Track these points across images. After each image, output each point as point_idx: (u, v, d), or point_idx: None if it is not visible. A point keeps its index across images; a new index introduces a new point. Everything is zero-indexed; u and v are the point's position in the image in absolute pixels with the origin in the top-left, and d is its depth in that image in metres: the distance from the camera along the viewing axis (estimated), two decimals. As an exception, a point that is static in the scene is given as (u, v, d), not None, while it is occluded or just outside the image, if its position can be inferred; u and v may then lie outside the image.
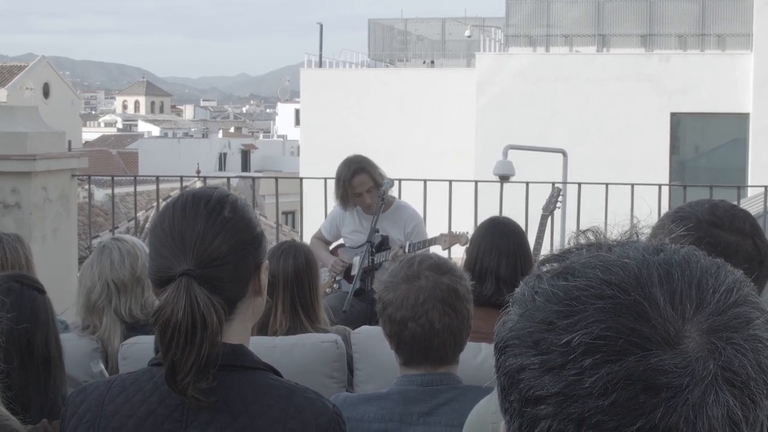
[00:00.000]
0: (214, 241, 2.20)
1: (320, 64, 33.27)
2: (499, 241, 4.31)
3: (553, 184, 7.40)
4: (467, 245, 4.61)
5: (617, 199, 7.67)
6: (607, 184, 7.87)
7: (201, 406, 2.18)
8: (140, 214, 24.18)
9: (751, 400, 0.98)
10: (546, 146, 16.48)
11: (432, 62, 33.40)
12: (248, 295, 2.27)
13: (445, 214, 8.02)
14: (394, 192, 7.34)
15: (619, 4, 26.59)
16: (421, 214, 7.38)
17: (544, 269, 1.09)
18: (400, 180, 7.84)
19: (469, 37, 32.41)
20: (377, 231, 6.64)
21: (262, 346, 4.01)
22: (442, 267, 2.99)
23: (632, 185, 7.81)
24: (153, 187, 22.35)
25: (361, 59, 34.44)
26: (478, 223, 5.38)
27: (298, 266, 4.34)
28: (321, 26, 39.27)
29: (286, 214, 31.83)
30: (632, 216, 1.90)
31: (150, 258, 2.27)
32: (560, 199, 7.11)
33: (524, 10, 27.46)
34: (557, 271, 1.07)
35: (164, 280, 2.20)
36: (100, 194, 24.83)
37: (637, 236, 1.15)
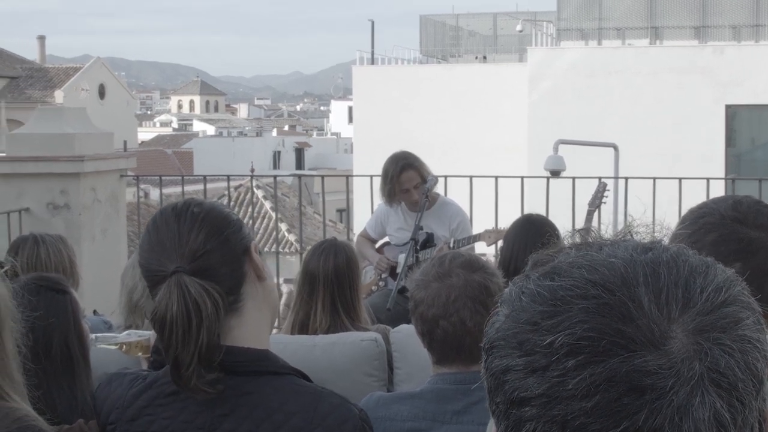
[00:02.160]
0: (191, 235, 2.24)
1: (372, 61, 33.30)
2: (533, 239, 4.28)
3: (600, 179, 7.34)
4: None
5: (669, 193, 7.59)
6: (654, 179, 7.78)
7: (209, 398, 2.18)
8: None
9: (739, 401, 0.96)
10: (599, 140, 16.41)
11: (484, 57, 33.28)
12: (249, 280, 2.29)
13: (493, 210, 7.98)
14: (440, 189, 7.32)
15: (671, -4, 26.35)
16: (468, 210, 7.34)
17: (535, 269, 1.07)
18: (446, 177, 7.81)
19: (520, 31, 32.26)
20: (421, 228, 6.64)
21: (302, 345, 4.02)
22: (473, 265, 2.97)
23: (680, 179, 7.72)
24: (208, 186, 22.58)
25: (413, 55, 34.41)
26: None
27: (338, 265, 4.34)
28: (372, 23, 39.29)
29: (340, 211, 31.93)
30: (680, 211, 1.86)
31: (143, 276, 2.32)
32: (606, 194, 7.05)
33: (576, 4, 27.27)
34: (544, 271, 1.05)
35: (157, 283, 2.23)
36: (155, 194, 25.03)
37: (631, 234, 1.12)
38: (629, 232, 1.13)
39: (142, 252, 2.30)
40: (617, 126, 22.67)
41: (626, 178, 8.20)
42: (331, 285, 4.31)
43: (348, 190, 8.72)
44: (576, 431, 0.95)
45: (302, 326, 4.24)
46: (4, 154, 8.27)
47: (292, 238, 25.29)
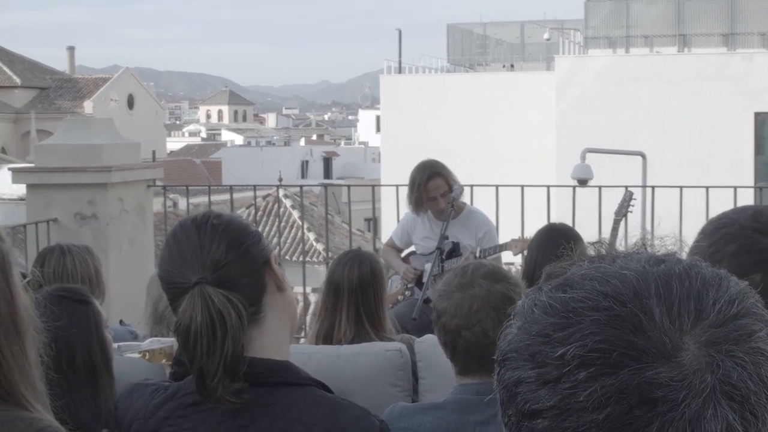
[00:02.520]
0: (211, 247, 2.25)
1: (399, 70, 33.34)
2: (557, 248, 4.26)
3: (626, 187, 7.31)
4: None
5: (697, 201, 7.54)
6: (681, 187, 7.74)
7: (230, 409, 2.19)
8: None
9: (752, 414, 0.96)
10: (627, 149, 16.37)
11: (511, 66, 33.28)
12: (270, 290, 2.30)
13: (519, 219, 7.96)
14: (466, 198, 7.31)
15: (699, 3, 26.25)
16: (494, 219, 7.33)
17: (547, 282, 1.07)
18: (471, 186, 7.80)
19: (548, 39, 32.24)
20: (447, 238, 6.63)
21: (326, 355, 4.02)
22: (496, 275, 2.97)
23: (707, 188, 7.68)
24: (236, 195, 22.62)
25: (441, 64, 34.44)
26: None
27: (363, 275, 4.34)
28: (399, 32, 39.33)
29: (368, 220, 31.95)
30: (707, 219, 1.85)
31: (164, 289, 2.33)
32: (632, 203, 7.02)
33: (603, 12, 27.24)
34: (556, 284, 1.05)
35: (179, 294, 2.24)
36: (184, 204, 25.12)
37: (645, 247, 1.12)
38: (643, 244, 1.12)
39: (163, 264, 2.30)
40: (645, 134, 22.62)
41: (653, 187, 8.16)
42: (355, 295, 4.31)
43: (374, 200, 8.72)
44: None
45: (327, 336, 4.24)
46: (32, 165, 8.32)
47: (319, 247, 25.29)
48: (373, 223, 10.47)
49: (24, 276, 2.32)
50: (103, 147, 7.83)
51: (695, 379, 0.95)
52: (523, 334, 1.03)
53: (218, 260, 2.22)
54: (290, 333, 2.42)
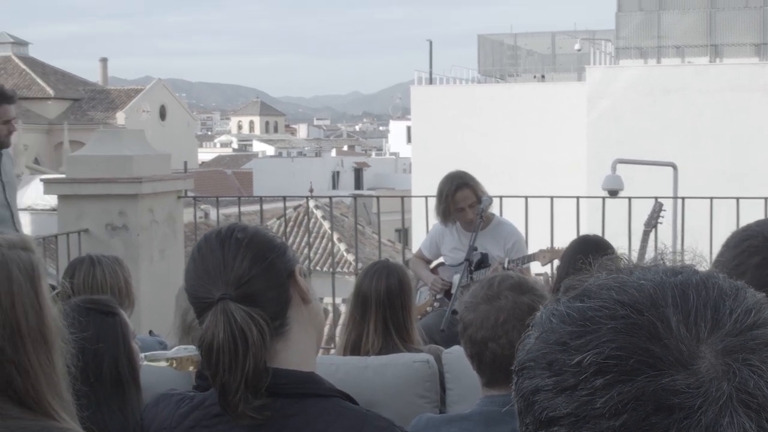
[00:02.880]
0: (235, 262, 2.25)
1: (430, 81, 33.32)
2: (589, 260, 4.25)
3: (656, 199, 7.28)
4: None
5: (729, 213, 7.50)
6: (711, 198, 7.71)
7: (256, 425, 2.19)
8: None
9: None
10: (658, 159, 16.28)
11: (542, 76, 33.21)
12: (295, 303, 2.30)
13: (555, 229, 7.94)
14: (495, 209, 7.31)
15: (731, 14, 26.11)
16: (523, 230, 7.32)
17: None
18: (500, 197, 7.80)
19: (579, 50, 32.16)
20: (476, 249, 6.62)
21: (354, 366, 4.03)
22: (522, 287, 2.97)
23: (737, 199, 7.64)
24: (267, 206, 22.67)
25: (471, 75, 34.40)
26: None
27: (390, 286, 4.35)
28: (430, 43, 39.32)
29: (399, 231, 31.92)
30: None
31: (190, 302, 2.33)
32: (662, 214, 6.99)
33: (634, 22, 27.13)
34: (574, 294, 1.06)
35: (205, 308, 2.25)
36: (215, 214, 25.19)
37: (663, 261, 1.12)
38: (661, 258, 1.12)
39: (188, 278, 2.32)
40: (677, 145, 22.49)
41: (683, 198, 8.13)
42: (383, 306, 4.32)
43: (403, 210, 8.72)
44: None
45: (354, 347, 4.25)
46: (64, 176, 8.38)
47: (350, 258, 25.31)
48: (402, 233, 10.45)
49: (53, 288, 2.34)
50: (133, 158, 7.87)
51: (712, 386, 0.95)
52: (541, 343, 1.03)
53: (241, 275, 2.23)
54: (317, 344, 2.42)
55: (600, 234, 7.67)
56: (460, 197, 6.70)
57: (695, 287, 1.03)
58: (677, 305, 1.00)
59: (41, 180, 9.07)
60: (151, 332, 5.42)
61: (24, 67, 61.89)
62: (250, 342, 2.15)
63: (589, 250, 4.34)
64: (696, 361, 0.96)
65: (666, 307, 1.00)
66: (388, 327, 4.31)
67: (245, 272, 2.24)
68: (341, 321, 7.16)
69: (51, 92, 60.18)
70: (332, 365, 3.98)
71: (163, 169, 8.32)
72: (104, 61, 73.18)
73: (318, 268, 23.63)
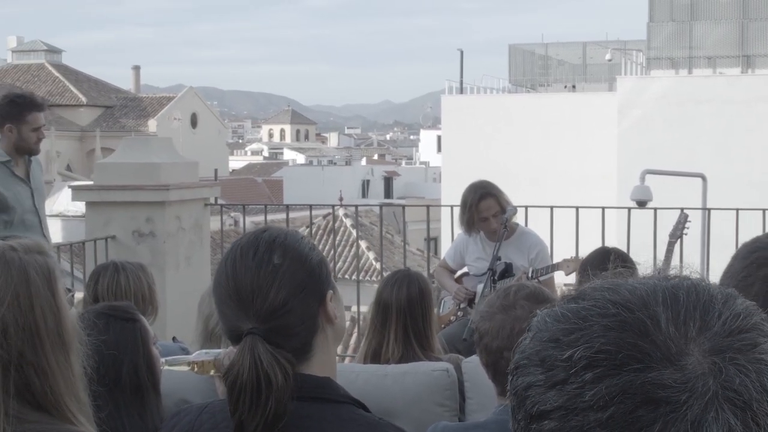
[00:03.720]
0: (269, 293, 2.19)
1: (461, 91, 33.32)
2: (607, 271, 4.24)
3: (682, 209, 7.25)
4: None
5: (757, 224, 7.45)
6: (737, 210, 7.67)
7: None
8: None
9: (754, 421, 0.97)
10: (689, 170, 16.21)
11: (573, 86, 33.14)
12: (321, 329, 2.26)
13: (584, 240, 7.92)
14: (521, 219, 7.30)
15: (764, 24, 25.98)
16: (548, 240, 7.31)
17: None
18: (526, 207, 7.79)
19: (610, 60, 32.06)
20: (499, 259, 6.62)
21: (374, 374, 4.04)
22: (538, 296, 2.97)
23: (764, 210, 7.60)
24: (296, 214, 22.75)
25: (502, 85, 34.37)
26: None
27: (411, 295, 4.36)
28: (461, 52, 39.29)
29: (428, 240, 31.88)
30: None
31: (219, 316, 2.29)
32: (687, 225, 6.97)
33: (666, 32, 27.04)
34: (570, 297, 1.09)
35: (235, 338, 2.22)
36: (248, 222, 25.24)
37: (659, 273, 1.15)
38: (657, 272, 1.15)
39: (220, 293, 2.26)
40: (708, 155, 22.40)
41: (708, 209, 8.09)
42: (404, 315, 4.33)
43: (428, 219, 8.73)
44: None
45: (375, 355, 4.26)
46: (92, 183, 8.45)
47: (378, 266, 25.35)
48: (427, 243, 10.44)
49: (69, 291, 2.37)
50: (161, 165, 7.92)
51: (698, 382, 0.97)
52: (535, 342, 1.06)
53: (275, 309, 2.19)
54: (335, 354, 2.42)
55: (626, 244, 7.67)
56: (484, 207, 6.70)
57: (686, 290, 1.05)
58: (667, 305, 1.03)
59: (69, 187, 9.14)
60: (174, 339, 5.45)
61: (57, 74, 62.40)
62: (274, 386, 2.13)
63: (607, 262, 4.34)
64: (684, 357, 0.98)
65: (656, 306, 1.02)
66: (409, 335, 4.32)
67: (280, 305, 2.19)
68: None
69: (84, 99, 60.60)
70: (352, 373, 3.99)
71: (190, 176, 8.36)
72: (137, 68, 73.60)
73: (347, 276, 23.66)
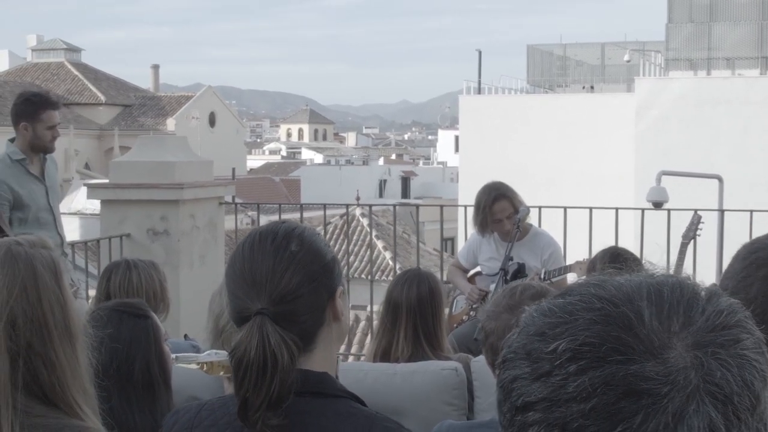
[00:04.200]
0: (284, 277, 2.23)
1: (479, 91, 33.29)
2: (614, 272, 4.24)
3: (695, 211, 7.24)
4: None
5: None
6: (751, 211, 7.64)
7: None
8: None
9: (734, 415, 0.99)
10: (707, 171, 16.16)
11: (591, 87, 33.09)
12: (327, 323, 2.30)
13: (599, 240, 7.90)
14: (534, 219, 7.30)
15: (783, 26, 25.92)
16: (561, 241, 7.30)
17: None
18: (540, 207, 7.79)
19: (628, 61, 32.00)
20: (511, 259, 6.62)
21: (383, 373, 4.05)
22: (544, 296, 2.97)
23: (781, 211, 7.60)
24: (312, 213, 22.77)
25: (520, 85, 34.33)
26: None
27: (421, 294, 4.37)
28: (480, 52, 39.26)
29: (445, 240, 31.90)
30: None
31: (228, 299, 2.32)
32: (701, 226, 6.95)
33: (684, 34, 26.98)
34: (558, 293, 1.12)
35: (242, 319, 2.24)
36: (262, 221, 25.29)
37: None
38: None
39: (234, 275, 2.30)
40: (726, 157, 22.33)
41: (722, 211, 8.07)
42: (413, 314, 4.34)
43: (442, 220, 8.74)
44: None
45: (384, 354, 4.28)
46: (107, 181, 8.47)
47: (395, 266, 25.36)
48: (442, 242, 10.42)
49: (72, 284, 2.40)
50: (176, 164, 7.94)
51: (680, 375, 0.99)
52: (522, 336, 1.08)
53: (287, 294, 2.23)
54: (337, 351, 2.45)
55: (639, 246, 7.65)
56: (497, 209, 6.70)
57: (670, 287, 1.07)
58: (652, 301, 1.05)
59: (84, 185, 9.18)
60: (186, 336, 5.47)
61: (76, 73, 62.59)
62: (279, 366, 2.16)
63: (614, 261, 4.33)
64: (666, 351, 1.00)
65: (641, 301, 1.04)
66: (418, 334, 4.33)
67: (292, 290, 2.23)
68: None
69: (102, 98, 60.76)
70: (361, 371, 4.01)
71: (205, 175, 8.37)
72: (155, 67, 73.76)
73: (363, 276, 23.68)
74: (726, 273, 2.00)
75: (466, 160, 30.00)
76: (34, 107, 6.56)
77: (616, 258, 4.42)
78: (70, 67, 63.30)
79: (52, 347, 2.21)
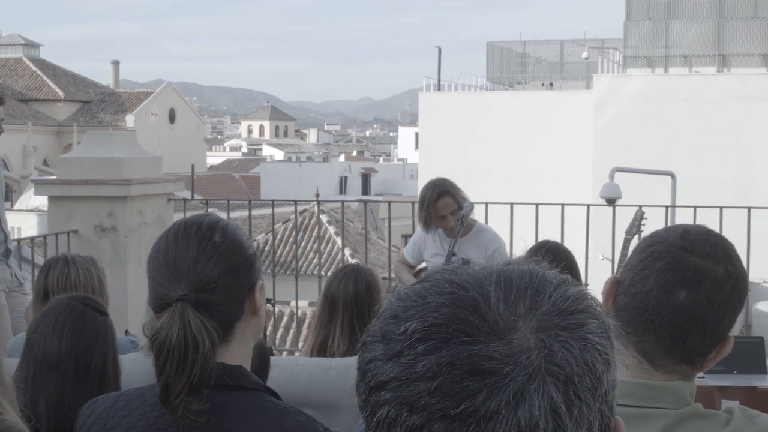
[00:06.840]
0: (206, 266, 2.28)
1: (439, 88, 33.37)
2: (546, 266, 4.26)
3: (639, 207, 7.29)
4: None
5: (736, 222, 7.48)
6: (695, 207, 7.71)
7: (193, 425, 2.24)
8: (260, 237, 24.62)
9: (575, 395, 1.02)
10: (663, 168, 16.27)
11: (550, 84, 33.26)
12: (245, 316, 2.35)
13: (546, 236, 7.94)
14: (479, 215, 7.32)
15: (739, 24, 26.09)
16: (534, 238, 7.33)
17: None
18: (486, 203, 7.83)
19: (587, 59, 32.20)
20: (454, 254, 6.63)
21: (318, 367, 4.06)
22: None
23: (720, 208, 7.66)
24: (265, 211, 22.74)
25: (480, 82, 34.48)
26: (566, 245, 5.35)
27: (358, 290, 4.39)
28: (439, 49, 39.34)
29: (405, 237, 31.93)
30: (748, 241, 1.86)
31: (149, 286, 2.35)
32: (644, 222, 7.00)
33: (642, 31, 27.13)
34: (417, 281, 1.14)
35: (162, 306, 2.28)
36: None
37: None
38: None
39: (157, 262, 2.34)
40: (683, 154, 22.50)
41: (666, 207, 8.13)
42: (350, 309, 4.36)
43: (389, 217, 8.79)
44: (421, 411, 1.01)
45: (321, 349, 4.28)
46: (54, 177, 8.43)
47: (355, 261, 25.40)
48: (389, 239, 10.47)
49: (16, 280, 2.39)
50: (123, 160, 7.91)
51: (522, 356, 1.02)
52: (380, 320, 1.11)
53: (208, 282, 2.27)
54: (251, 346, 2.47)
55: (584, 242, 7.70)
56: (441, 205, 6.72)
57: (520, 273, 1.11)
58: (500, 285, 1.08)
59: (32, 181, 9.12)
60: (126, 332, 5.45)
61: (35, 68, 62.22)
62: (200, 351, 2.19)
63: (546, 257, 4.35)
64: (511, 333, 1.03)
65: (489, 285, 1.08)
66: (355, 330, 4.34)
67: (213, 279, 2.28)
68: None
69: (61, 94, 60.45)
70: (297, 366, 4.01)
71: (154, 171, 8.34)
72: (116, 63, 73.44)
73: (324, 273, 23.70)
74: (625, 266, 2.04)
75: (426, 157, 30.07)
76: None
77: (537, 251, 4.44)
78: (28, 62, 62.92)
79: None
